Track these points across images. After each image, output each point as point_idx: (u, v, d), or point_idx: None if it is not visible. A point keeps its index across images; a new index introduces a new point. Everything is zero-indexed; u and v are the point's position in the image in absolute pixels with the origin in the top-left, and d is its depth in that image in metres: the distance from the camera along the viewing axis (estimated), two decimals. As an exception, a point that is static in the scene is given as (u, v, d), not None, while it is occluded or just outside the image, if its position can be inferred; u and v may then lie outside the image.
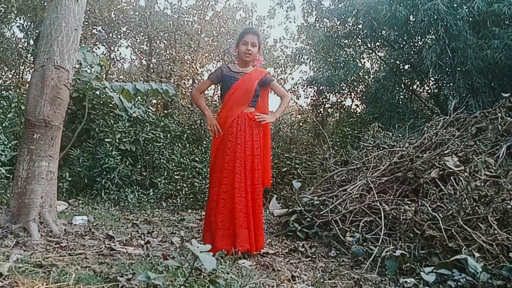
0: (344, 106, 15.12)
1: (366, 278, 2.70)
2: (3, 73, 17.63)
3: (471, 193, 3.08)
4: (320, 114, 16.39)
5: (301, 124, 17.30)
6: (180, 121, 12.58)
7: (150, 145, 6.50)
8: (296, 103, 19.30)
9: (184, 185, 6.43)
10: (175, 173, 6.57)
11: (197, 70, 15.77)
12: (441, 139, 4.90)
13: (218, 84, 3.52)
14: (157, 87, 6.93)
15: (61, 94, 3.51)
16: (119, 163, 5.93)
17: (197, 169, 6.84)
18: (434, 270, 2.48)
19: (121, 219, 4.63)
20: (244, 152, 3.21)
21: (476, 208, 3.05)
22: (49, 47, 3.49)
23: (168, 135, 7.19)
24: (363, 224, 3.73)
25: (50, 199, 3.47)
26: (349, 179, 5.41)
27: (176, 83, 15.00)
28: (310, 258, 3.30)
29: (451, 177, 3.72)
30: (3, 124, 4.90)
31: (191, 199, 6.27)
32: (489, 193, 3.09)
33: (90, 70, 6.37)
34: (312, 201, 4.64)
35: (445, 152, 4.22)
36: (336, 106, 15.49)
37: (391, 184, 4.46)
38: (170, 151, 6.82)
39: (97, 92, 6.57)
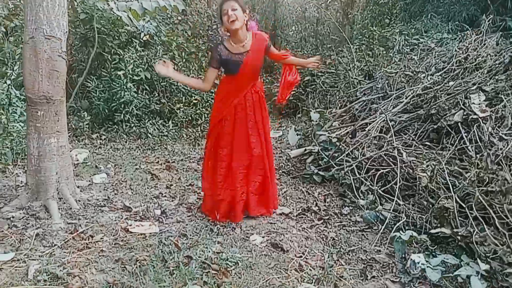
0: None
1: (374, 259, 2.74)
2: None
3: (493, 161, 2.89)
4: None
5: (329, 3, 16.11)
6: (199, 11, 11.89)
7: (165, 69, 6.27)
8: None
9: (203, 108, 6.37)
10: (193, 96, 6.46)
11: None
12: (470, 62, 4.49)
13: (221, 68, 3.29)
14: (165, 3, 6.45)
15: (57, 66, 3.33)
16: (135, 94, 5.84)
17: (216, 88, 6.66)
18: (442, 260, 2.48)
19: (142, 164, 4.73)
20: (253, 127, 3.24)
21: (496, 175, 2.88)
22: (35, 15, 3.21)
23: (183, 53, 6.90)
24: (378, 176, 3.67)
25: (66, 172, 3.53)
26: (371, 102, 5.22)
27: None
28: (322, 221, 3.34)
29: (475, 126, 3.47)
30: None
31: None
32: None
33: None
34: (330, 138, 4.54)
35: (472, 88, 3.88)
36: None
37: (413, 121, 4.24)
38: (186, 72, 6.60)
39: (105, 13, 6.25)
